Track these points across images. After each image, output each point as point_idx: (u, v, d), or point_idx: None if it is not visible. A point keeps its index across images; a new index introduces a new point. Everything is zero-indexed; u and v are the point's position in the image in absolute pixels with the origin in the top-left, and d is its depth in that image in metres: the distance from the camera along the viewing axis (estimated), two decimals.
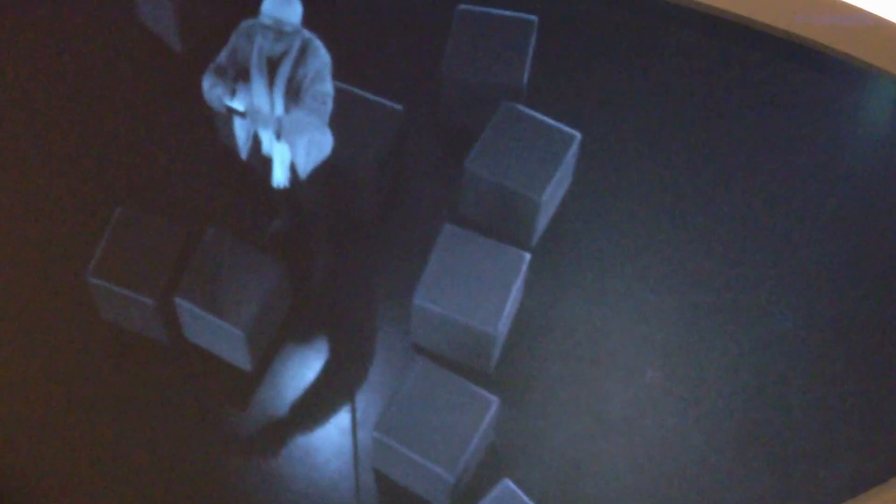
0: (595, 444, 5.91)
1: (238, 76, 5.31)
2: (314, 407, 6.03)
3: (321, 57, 5.26)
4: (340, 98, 6.02)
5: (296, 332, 6.15)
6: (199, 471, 5.82)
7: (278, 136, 5.34)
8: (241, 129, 5.53)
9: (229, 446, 5.90)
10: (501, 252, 5.93)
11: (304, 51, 5.22)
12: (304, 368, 6.10)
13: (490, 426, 5.68)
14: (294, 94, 5.26)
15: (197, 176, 6.62)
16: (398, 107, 6.32)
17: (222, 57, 5.32)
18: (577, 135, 6.28)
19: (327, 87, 5.28)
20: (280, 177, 5.55)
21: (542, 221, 6.37)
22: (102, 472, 5.79)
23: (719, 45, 6.91)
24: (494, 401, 5.60)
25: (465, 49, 6.44)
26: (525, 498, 5.44)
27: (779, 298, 6.22)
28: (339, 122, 6.03)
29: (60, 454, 5.84)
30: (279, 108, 5.30)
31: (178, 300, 5.84)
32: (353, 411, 6.00)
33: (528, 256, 5.94)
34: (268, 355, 6.08)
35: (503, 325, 5.87)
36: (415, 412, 5.56)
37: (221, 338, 5.89)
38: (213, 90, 5.28)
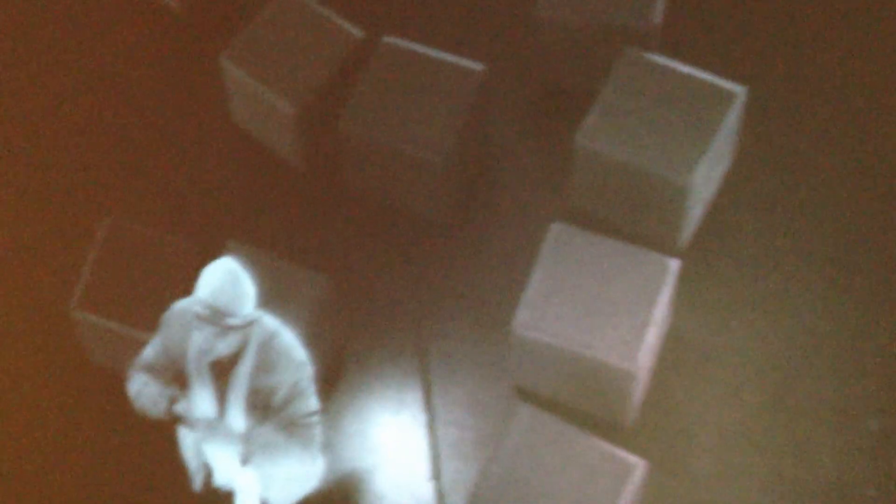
0: None
1: (176, 376, 4.95)
2: (384, 475, 5.96)
3: (294, 360, 4.78)
4: (394, 59, 6.33)
5: (352, 375, 6.19)
6: None
7: (244, 461, 4.92)
8: (190, 448, 5.20)
9: None
10: (636, 258, 5.83)
11: (263, 352, 4.74)
12: (365, 423, 6.10)
13: (634, 499, 5.47)
14: (262, 413, 4.83)
15: (208, 174, 6.67)
16: (478, 65, 6.31)
17: (149, 351, 4.95)
18: (740, 91, 6.19)
19: (309, 404, 4.85)
20: None
21: (694, 214, 6.28)
22: None
23: None
24: (638, 464, 5.41)
25: None
26: None
27: None
28: (397, 91, 6.27)
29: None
30: (239, 424, 4.88)
31: None
32: (438, 479, 5.95)
33: (675, 264, 5.84)
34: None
35: (644, 359, 5.71)
36: (522, 479, 5.38)
37: None
38: (142, 394, 4.86)
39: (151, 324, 5.51)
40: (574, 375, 5.82)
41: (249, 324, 4.71)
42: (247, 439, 4.91)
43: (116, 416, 6.09)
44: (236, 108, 6.68)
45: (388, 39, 6.46)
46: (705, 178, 6.21)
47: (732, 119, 6.22)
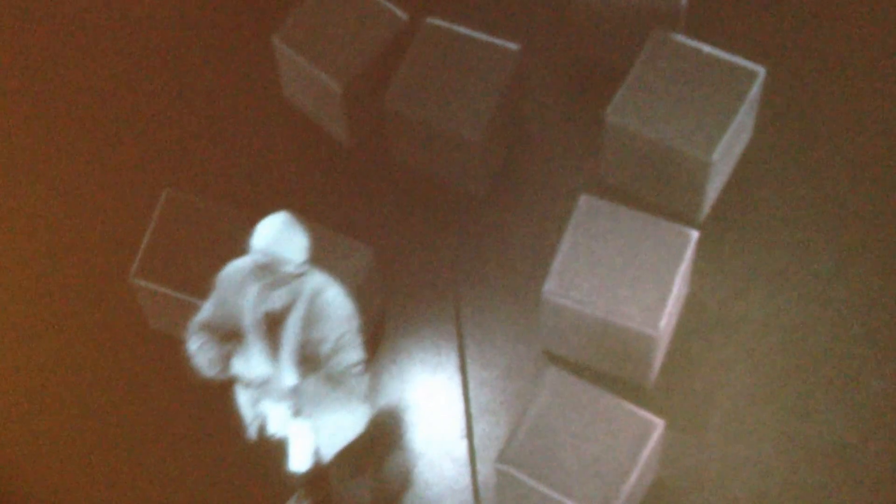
0: (800, 478, 5.87)
1: (231, 334, 5.02)
2: (420, 433, 6.08)
3: (341, 313, 4.84)
4: (436, 39, 6.44)
5: (392, 339, 6.27)
6: (255, 490, 5.90)
7: (296, 412, 5.02)
8: (245, 402, 5.27)
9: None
10: (659, 229, 5.92)
11: (313, 304, 4.83)
12: (404, 383, 6.19)
13: (654, 456, 5.62)
14: (311, 364, 4.91)
15: (261, 148, 6.75)
16: (514, 45, 6.38)
17: (206, 310, 5.01)
18: (760, 71, 6.27)
19: (355, 355, 4.92)
20: (299, 461, 5.27)
21: (714, 188, 6.36)
22: (152, 487, 5.94)
23: None
24: (658, 424, 5.53)
25: None
26: None
27: None
28: (438, 69, 6.37)
29: (101, 473, 5.97)
30: (291, 378, 4.96)
31: None
32: (471, 437, 6.07)
33: (695, 234, 5.92)
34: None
35: (666, 325, 5.80)
36: (550, 438, 5.50)
37: None
38: (200, 354, 4.91)
39: (207, 291, 5.67)
40: (600, 340, 5.90)
41: (302, 274, 4.79)
42: (297, 391, 4.97)
43: (176, 378, 6.24)
44: (287, 86, 6.78)
45: (431, 21, 6.52)
46: (726, 154, 6.27)
47: (753, 97, 6.28)
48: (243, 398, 5.26)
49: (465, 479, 5.99)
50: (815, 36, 6.95)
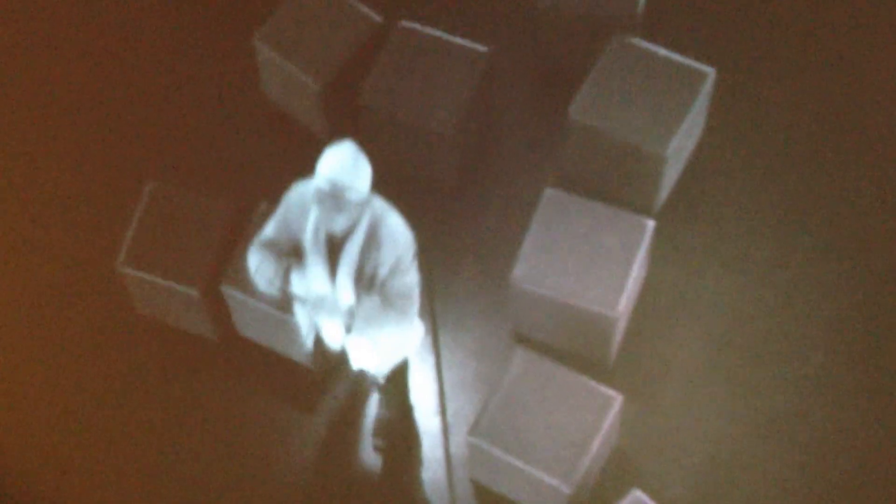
0: (746, 447, 5.94)
1: (292, 252, 5.08)
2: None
3: (399, 240, 4.90)
4: (409, 41, 6.44)
5: None
6: (258, 481, 5.93)
7: (349, 329, 5.10)
8: (302, 316, 5.37)
9: (294, 454, 5.98)
10: (618, 219, 5.97)
11: (374, 232, 4.89)
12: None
13: (613, 428, 5.70)
14: (367, 286, 4.98)
15: (241, 142, 6.76)
16: (484, 48, 6.41)
17: (270, 229, 5.05)
18: (710, 71, 6.28)
19: (411, 278, 4.99)
20: (359, 362, 5.39)
21: (668, 180, 6.39)
22: (148, 477, 5.96)
23: None
24: (617, 398, 5.63)
25: None
26: None
27: None
28: (411, 69, 6.35)
29: (98, 464, 6.00)
30: (348, 298, 5.02)
31: (225, 289, 5.91)
32: (444, 412, 6.06)
33: (651, 224, 5.97)
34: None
35: (624, 307, 5.86)
36: (518, 413, 5.59)
37: (277, 328, 5.95)
38: (260, 269, 4.97)
39: (190, 278, 5.92)
40: (563, 321, 5.96)
41: (364, 202, 4.82)
42: (352, 310, 5.01)
43: (162, 359, 6.27)
44: (267, 84, 6.78)
45: (404, 24, 6.51)
46: (679, 149, 6.30)
47: (704, 96, 6.31)
48: (300, 314, 5.34)
49: (439, 452, 6.02)
50: (763, 39, 6.95)
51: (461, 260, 6.44)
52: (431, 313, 6.15)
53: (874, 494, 5.78)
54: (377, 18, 6.53)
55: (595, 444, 5.52)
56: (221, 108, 6.88)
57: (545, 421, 5.57)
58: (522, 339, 6.16)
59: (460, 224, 6.53)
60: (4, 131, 6.77)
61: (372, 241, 4.88)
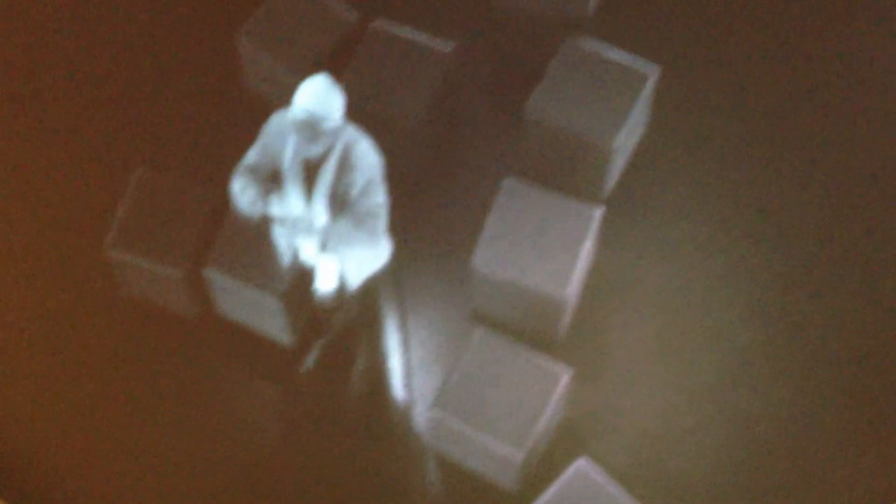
0: (681, 418, 5.98)
1: (272, 177, 5.22)
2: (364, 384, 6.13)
3: (369, 163, 5.05)
4: (380, 39, 6.43)
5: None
6: (234, 453, 5.99)
7: (323, 247, 5.21)
8: (280, 236, 5.51)
9: (268, 427, 6.04)
10: (569, 207, 6.01)
11: (347, 156, 5.03)
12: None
13: (562, 400, 5.78)
14: (339, 207, 5.12)
15: (224, 132, 6.77)
16: (447, 47, 6.44)
17: (252, 156, 5.17)
18: (654, 71, 6.27)
19: (379, 198, 5.11)
20: (325, 284, 5.50)
21: (615, 171, 6.42)
22: (132, 457, 6.00)
23: None
24: (565, 372, 5.71)
25: None
26: (604, 478, 5.48)
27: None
28: (381, 66, 6.36)
29: (84, 443, 6.05)
30: (322, 218, 5.17)
31: (207, 272, 5.96)
32: (409, 387, 6.13)
33: (599, 211, 6.01)
34: (310, 327, 6.19)
35: (573, 289, 5.92)
36: (476, 387, 5.68)
37: (257, 309, 6.01)
38: (243, 194, 5.12)
39: (174, 261, 5.92)
40: (518, 302, 6.03)
41: (338, 129, 4.96)
42: (326, 229, 5.12)
43: (144, 339, 6.27)
44: (249, 77, 6.81)
45: (375, 24, 6.50)
46: (625, 142, 6.34)
47: (648, 92, 6.34)
48: (278, 234, 5.49)
49: (403, 424, 6.09)
50: (707, 39, 6.96)
51: (426, 246, 6.47)
52: (398, 295, 6.27)
53: (799, 458, 5.90)
54: (353, 16, 6.57)
55: (545, 416, 5.61)
56: (207, 100, 6.86)
57: (500, 394, 5.66)
58: (481, 319, 6.21)
59: (425, 212, 6.55)
60: None
61: (345, 164, 5.03)
